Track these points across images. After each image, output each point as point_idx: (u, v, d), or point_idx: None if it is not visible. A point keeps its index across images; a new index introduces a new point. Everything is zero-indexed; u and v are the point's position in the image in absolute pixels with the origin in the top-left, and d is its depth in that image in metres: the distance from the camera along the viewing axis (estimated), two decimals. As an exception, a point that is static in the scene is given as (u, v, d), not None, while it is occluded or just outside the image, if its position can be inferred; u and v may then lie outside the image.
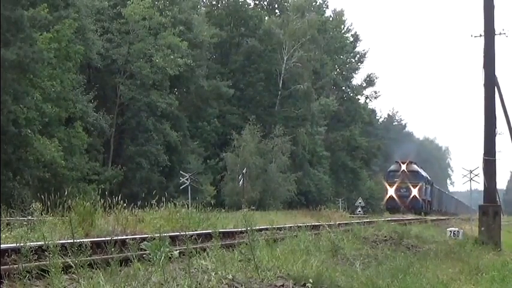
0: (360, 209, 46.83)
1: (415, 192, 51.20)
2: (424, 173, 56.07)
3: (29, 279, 5.85)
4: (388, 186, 52.86)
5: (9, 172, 27.70)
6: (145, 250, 6.74)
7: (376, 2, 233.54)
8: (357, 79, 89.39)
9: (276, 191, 49.03)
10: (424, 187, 53.68)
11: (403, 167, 52.38)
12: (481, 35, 20.87)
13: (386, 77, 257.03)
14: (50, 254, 5.98)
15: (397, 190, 51.57)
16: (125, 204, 13.86)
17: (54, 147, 30.24)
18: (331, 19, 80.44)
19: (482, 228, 19.71)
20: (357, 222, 18.35)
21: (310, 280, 7.35)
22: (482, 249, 16.55)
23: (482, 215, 20.02)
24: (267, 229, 12.09)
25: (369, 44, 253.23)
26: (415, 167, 53.80)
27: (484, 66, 20.37)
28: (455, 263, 12.53)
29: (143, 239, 7.96)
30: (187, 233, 8.09)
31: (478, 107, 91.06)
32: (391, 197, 51.93)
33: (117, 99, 40.96)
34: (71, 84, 33.64)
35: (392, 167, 54.92)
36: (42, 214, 10.00)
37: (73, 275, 6.32)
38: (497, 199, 21.45)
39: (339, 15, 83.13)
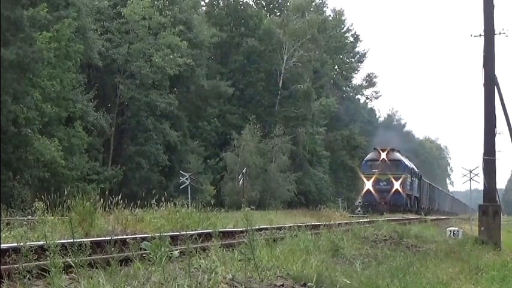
0: (359, 209, 46.17)
1: (397, 185, 43.67)
2: (409, 163, 48.84)
3: (29, 279, 5.85)
4: (364, 179, 45.15)
5: (9, 172, 27.69)
6: (145, 250, 6.74)
7: (376, 2, 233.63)
8: (357, 79, 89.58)
9: (276, 190, 49.06)
10: (410, 180, 46.39)
11: (383, 155, 44.66)
12: (480, 35, 20.89)
13: (386, 76, 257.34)
14: (50, 253, 5.98)
15: (375, 183, 44.05)
16: (124, 204, 13.85)
17: (54, 146, 30.26)
18: (330, 18, 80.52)
19: (482, 228, 19.73)
20: (357, 222, 18.35)
21: (311, 284, 7.35)
22: (482, 248, 16.56)
23: (482, 214, 20.04)
24: (266, 229, 12.09)
25: (369, 43, 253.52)
26: (397, 155, 46.08)
27: (484, 66, 20.38)
28: (455, 263, 12.53)
29: (143, 239, 7.96)
30: (187, 232, 8.10)
31: (478, 106, 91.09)
32: (368, 192, 44.36)
33: (116, 98, 40.96)
34: (70, 84, 33.65)
35: (370, 156, 46.90)
36: (43, 214, 9.99)
37: (73, 274, 6.32)
38: (497, 199, 21.47)
39: (338, 15, 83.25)
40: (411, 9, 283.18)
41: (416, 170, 52.05)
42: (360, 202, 46.59)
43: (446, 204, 77.59)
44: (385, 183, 43.93)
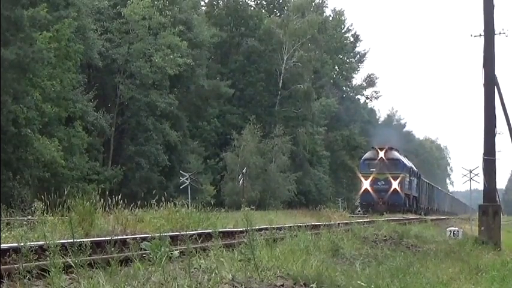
0: (359, 209, 45.85)
1: (395, 185, 42.55)
2: (407, 162, 47.94)
3: (29, 279, 5.84)
4: (362, 179, 44.02)
5: (9, 172, 27.71)
6: (145, 250, 6.73)
7: (376, 2, 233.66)
8: (357, 79, 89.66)
9: (276, 190, 49.06)
10: (408, 179, 45.26)
11: (381, 154, 43.48)
12: (480, 35, 20.89)
13: (386, 77, 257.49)
14: (50, 253, 5.98)
15: (373, 183, 42.93)
16: (124, 204, 13.84)
17: (54, 147, 30.27)
18: (331, 19, 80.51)
19: (482, 228, 19.72)
20: (357, 222, 18.35)
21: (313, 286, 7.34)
22: (482, 248, 16.56)
23: (482, 214, 20.04)
24: (266, 229, 12.09)
25: (369, 44, 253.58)
26: (396, 154, 44.97)
27: (484, 66, 20.38)
28: (455, 263, 12.53)
29: (143, 239, 7.96)
30: (187, 232, 8.10)
31: (478, 107, 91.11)
32: (366, 191, 43.29)
33: (116, 98, 40.96)
34: (70, 84, 33.66)
35: (368, 155, 45.91)
36: (43, 214, 9.98)
37: (73, 274, 6.32)
38: (497, 199, 21.47)
39: (338, 15, 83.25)
40: (411, 10, 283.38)
41: (415, 169, 51.07)
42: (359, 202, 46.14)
43: (445, 204, 76.65)
44: (383, 183, 42.78)
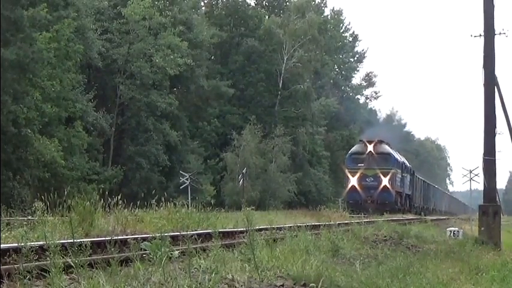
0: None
1: (385, 181, 38.91)
2: (399, 157, 43.89)
3: (29, 279, 5.85)
4: (349, 175, 40.40)
5: (9, 172, 27.70)
6: (145, 250, 6.74)
7: (375, 2, 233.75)
8: (357, 79, 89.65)
9: (276, 191, 49.07)
10: (400, 175, 41.66)
11: (370, 147, 39.74)
12: (481, 35, 20.93)
13: (386, 76, 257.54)
14: (50, 253, 5.98)
15: (361, 179, 39.45)
16: (124, 204, 13.83)
17: (54, 147, 30.28)
18: (329, 18, 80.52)
19: (482, 228, 19.76)
20: (357, 222, 18.36)
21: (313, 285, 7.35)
22: (482, 249, 16.57)
23: (482, 214, 20.06)
24: (266, 229, 12.09)
25: (368, 43, 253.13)
26: (386, 147, 41.12)
27: (484, 66, 20.41)
28: (455, 263, 12.54)
29: (143, 239, 7.96)
30: (187, 232, 8.10)
31: (478, 107, 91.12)
32: (353, 189, 39.76)
33: (117, 99, 40.96)
34: (70, 84, 33.67)
35: (355, 148, 42.08)
36: (43, 214, 9.98)
37: (73, 275, 6.33)
38: (497, 199, 21.49)
39: (337, 15, 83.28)
40: (411, 9, 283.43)
41: (408, 164, 47.74)
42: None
43: (443, 203, 74.33)
44: (371, 179, 39.27)
